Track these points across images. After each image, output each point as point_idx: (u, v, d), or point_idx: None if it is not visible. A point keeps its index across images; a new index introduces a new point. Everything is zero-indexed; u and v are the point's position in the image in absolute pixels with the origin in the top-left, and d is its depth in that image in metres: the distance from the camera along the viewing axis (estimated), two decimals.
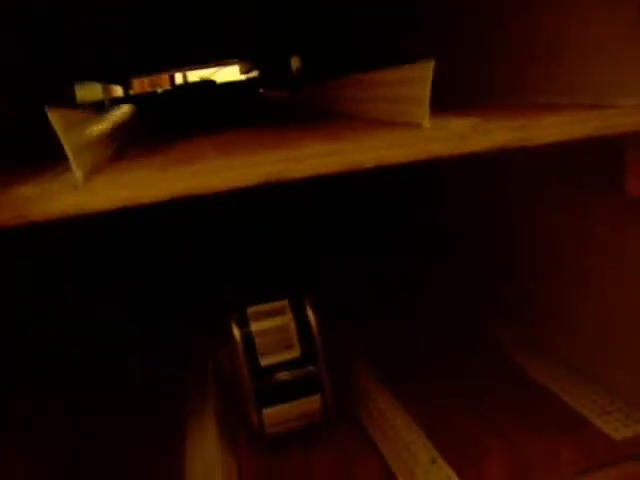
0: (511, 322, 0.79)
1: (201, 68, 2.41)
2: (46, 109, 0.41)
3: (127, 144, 0.68)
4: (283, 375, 0.57)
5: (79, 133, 0.47)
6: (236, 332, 0.57)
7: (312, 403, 0.59)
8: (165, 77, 2.77)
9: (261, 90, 1.67)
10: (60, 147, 0.42)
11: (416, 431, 0.60)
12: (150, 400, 0.74)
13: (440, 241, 0.99)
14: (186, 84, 2.73)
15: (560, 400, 0.63)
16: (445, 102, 0.51)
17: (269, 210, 1.01)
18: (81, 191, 0.42)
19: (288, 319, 0.58)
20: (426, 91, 0.48)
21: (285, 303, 0.58)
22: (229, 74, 2.73)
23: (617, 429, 0.57)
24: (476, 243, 0.88)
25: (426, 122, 0.48)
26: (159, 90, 2.40)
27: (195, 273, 0.93)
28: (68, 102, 1.05)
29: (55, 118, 0.42)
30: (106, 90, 1.54)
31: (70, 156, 0.42)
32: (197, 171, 0.42)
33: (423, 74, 0.48)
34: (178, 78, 2.79)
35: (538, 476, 0.54)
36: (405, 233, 1.08)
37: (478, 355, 0.74)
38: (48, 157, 0.52)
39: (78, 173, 0.42)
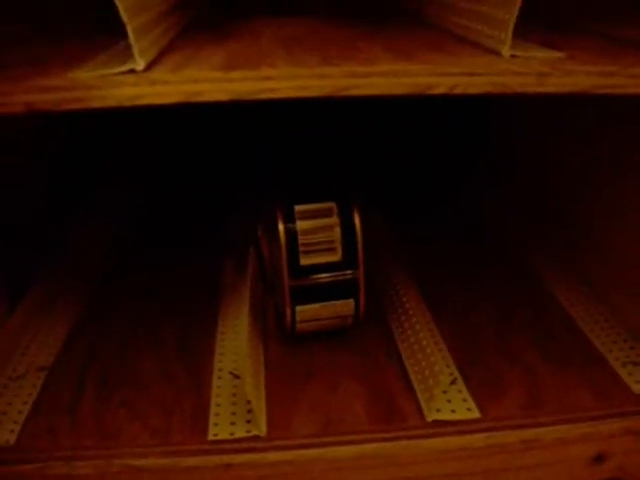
0: (557, 258, 0.78)
1: None
2: None
3: (189, 20, 0.66)
4: (321, 277, 0.58)
5: (142, 12, 0.46)
6: (281, 228, 0.57)
7: (345, 306, 0.60)
8: None
9: None
10: (119, 23, 0.41)
11: (442, 350, 0.61)
12: (189, 275, 0.77)
13: (490, 165, 0.98)
14: None
15: (588, 340, 0.63)
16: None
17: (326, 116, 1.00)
18: (142, 82, 0.41)
19: (334, 222, 0.58)
20: (512, 16, 0.45)
21: (333, 205, 0.58)
22: None
23: (638, 382, 0.57)
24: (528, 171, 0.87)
25: (506, 51, 0.46)
26: None
27: (248, 167, 0.94)
28: None
29: (123, 5, 0.40)
30: None
31: (133, 43, 0.41)
32: (264, 76, 0.41)
33: None
34: None
35: (551, 414, 0.55)
36: (455, 151, 1.07)
37: (518, 284, 0.74)
38: (105, 30, 0.51)
39: (140, 62, 0.42)
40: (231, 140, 1.08)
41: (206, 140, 1.10)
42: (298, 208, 0.57)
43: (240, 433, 0.53)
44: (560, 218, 0.80)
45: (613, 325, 0.65)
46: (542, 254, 0.79)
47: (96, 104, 0.41)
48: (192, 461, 0.52)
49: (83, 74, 0.42)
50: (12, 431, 0.54)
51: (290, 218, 0.57)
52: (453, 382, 0.58)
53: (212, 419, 0.55)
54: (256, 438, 0.53)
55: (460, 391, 0.57)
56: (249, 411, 0.55)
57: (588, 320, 0.66)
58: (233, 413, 0.55)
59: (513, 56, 0.46)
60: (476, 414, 0.55)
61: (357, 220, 0.58)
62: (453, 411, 0.55)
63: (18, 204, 0.73)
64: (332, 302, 0.59)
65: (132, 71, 0.42)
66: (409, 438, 0.53)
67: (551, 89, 0.44)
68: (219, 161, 1.09)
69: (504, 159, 0.98)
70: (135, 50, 0.41)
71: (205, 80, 0.41)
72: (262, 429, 0.53)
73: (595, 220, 0.72)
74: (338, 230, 0.58)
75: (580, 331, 0.65)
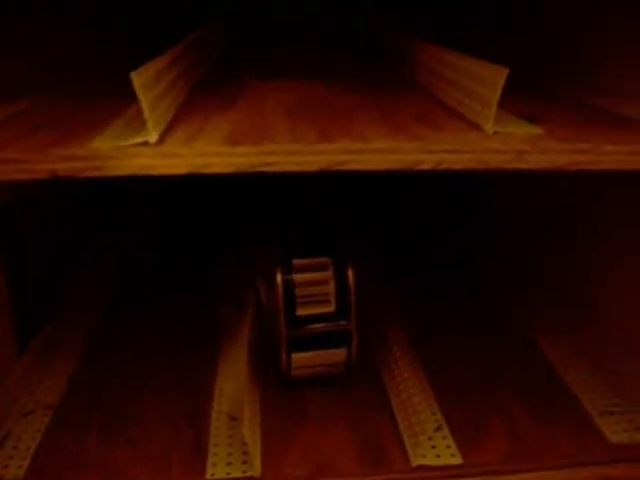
0: (542, 313, 0.82)
1: None
2: (131, 75, 0.44)
3: (195, 80, 0.71)
4: (316, 326, 0.62)
5: (156, 85, 0.50)
6: (279, 279, 0.61)
7: (338, 355, 0.63)
8: None
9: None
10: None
11: (429, 397, 0.65)
12: (189, 320, 0.82)
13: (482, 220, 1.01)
14: None
15: (569, 391, 0.67)
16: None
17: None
18: (155, 154, 0.45)
19: (329, 275, 0.62)
20: (495, 96, 0.49)
21: (328, 260, 0.62)
22: None
23: (615, 432, 0.60)
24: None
25: (489, 128, 0.50)
26: None
27: (245, 219, 0.98)
28: None
29: (138, 82, 0.44)
30: None
31: (146, 116, 0.45)
32: (267, 151, 0.45)
33: (496, 78, 0.49)
34: None
35: (531, 461, 0.58)
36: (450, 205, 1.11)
37: (505, 338, 0.78)
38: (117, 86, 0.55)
39: (153, 135, 0.46)
40: (228, 193, 1.12)
41: (205, 194, 1.14)
42: (296, 262, 0.61)
43: (236, 473, 0.57)
44: (547, 274, 0.84)
45: (594, 375, 0.69)
46: (533, 315, 0.82)
47: (113, 172, 0.45)
48: None
49: (102, 144, 0.46)
50: (20, 466, 0.58)
51: (288, 271, 0.61)
52: (438, 428, 0.61)
53: (210, 459, 0.58)
54: (251, 479, 0.56)
55: (445, 437, 0.60)
56: (244, 452, 0.58)
57: (570, 370, 0.70)
58: (230, 454, 0.59)
59: (496, 132, 0.50)
60: (459, 460, 0.58)
61: (350, 274, 0.62)
62: (438, 456, 0.58)
63: (31, 255, 0.77)
64: (326, 350, 0.63)
65: (146, 143, 0.46)
66: None
67: (530, 165, 0.48)
68: (217, 216, 1.14)
69: (496, 213, 1.02)
70: (149, 124, 0.46)
71: (213, 154, 0.45)
72: (257, 470, 0.57)
73: (577, 277, 0.76)
74: (333, 283, 0.62)
75: (562, 381, 0.68)
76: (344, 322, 0.62)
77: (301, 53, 1.08)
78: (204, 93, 0.66)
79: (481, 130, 0.51)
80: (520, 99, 0.57)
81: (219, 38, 0.95)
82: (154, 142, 0.46)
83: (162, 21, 1.09)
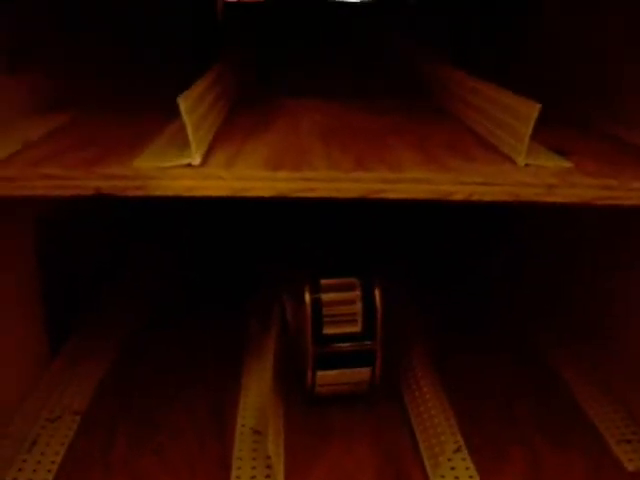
0: (567, 343, 0.83)
1: None
2: (179, 100, 0.46)
3: (233, 100, 0.72)
4: (341, 345, 0.63)
5: (199, 107, 0.52)
6: (307, 299, 0.62)
7: (362, 374, 0.65)
8: None
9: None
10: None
11: (449, 418, 0.66)
12: (216, 333, 0.83)
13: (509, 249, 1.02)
14: None
15: (587, 419, 0.68)
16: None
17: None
18: (197, 176, 0.47)
19: (356, 296, 0.63)
20: (527, 131, 0.50)
21: (356, 280, 0.63)
22: None
23: (632, 460, 0.61)
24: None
25: (521, 160, 0.51)
26: None
27: (273, 240, 1.00)
28: None
29: (184, 106, 0.46)
30: None
31: (191, 139, 0.47)
32: (306, 177, 0.47)
33: (528, 113, 0.50)
34: None
35: None
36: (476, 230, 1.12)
37: (528, 363, 0.79)
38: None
39: (197, 157, 0.47)
40: (261, 214, 1.14)
41: (237, 214, 1.16)
42: (324, 282, 0.63)
43: None
44: (567, 302, 0.85)
45: (611, 402, 0.70)
46: (557, 345, 0.83)
47: (156, 193, 0.47)
48: None
49: (144, 163, 0.47)
50: (49, 471, 0.59)
51: (316, 290, 0.63)
52: (458, 450, 0.62)
53: (234, 472, 0.59)
54: None
55: (464, 459, 0.61)
56: (268, 466, 0.60)
57: (588, 398, 0.71)
58: (253, 467, 0.60)
59: (526, 165, 0.51)
60: None
61: (377, 295, 0.63)
62: (456, 477, 0.59)
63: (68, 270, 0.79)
64: (350, 369, 0.64)
65: (188, 164, 0.47)
66: None
67: (558, 199, 0.49)
68: (249, 235, 1.15)
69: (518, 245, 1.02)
70: (193, 147, 0.47)
71: (255, 178, 0.47)
72: None
73: (599, 309, 0.77)
74: (359, 303, 0.63)
75: (580, 408, 0.69)
76: (369, 342, 0.64)
77: (315, 70, 1.11)
78: (239, 113, 0.67)
79: (512, 162, 0.52)
80: (546, 128, 0.58)
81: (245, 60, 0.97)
82: (197, 164, 0.47)
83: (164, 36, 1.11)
